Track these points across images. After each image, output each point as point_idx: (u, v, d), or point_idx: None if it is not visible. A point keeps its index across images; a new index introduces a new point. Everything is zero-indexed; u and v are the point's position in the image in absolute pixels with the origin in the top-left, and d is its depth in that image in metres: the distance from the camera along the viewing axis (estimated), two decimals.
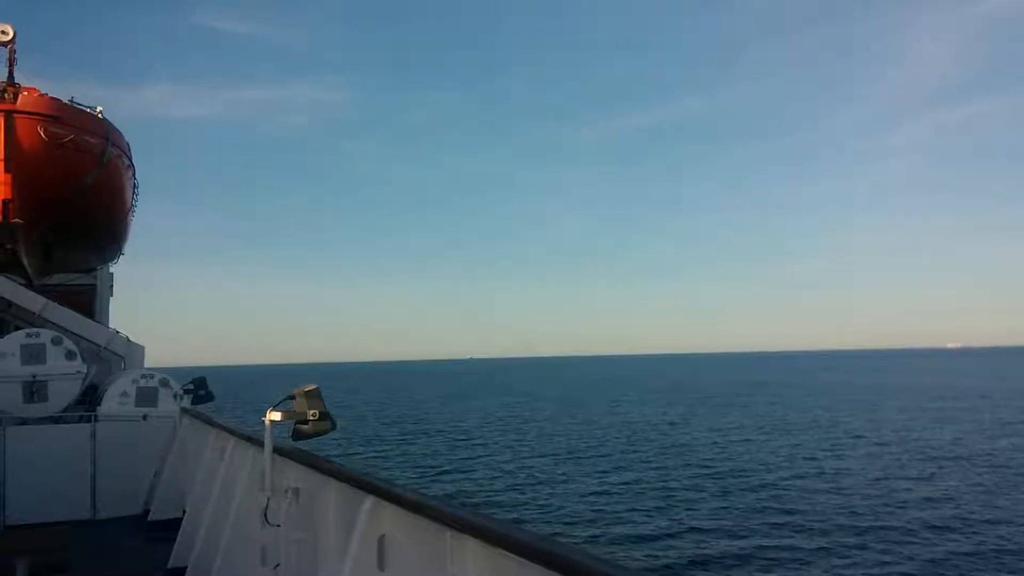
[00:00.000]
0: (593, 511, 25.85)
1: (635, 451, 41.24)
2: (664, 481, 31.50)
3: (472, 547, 3.14)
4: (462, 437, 50.18)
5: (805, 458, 37.25)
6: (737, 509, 25.77)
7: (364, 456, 41.24)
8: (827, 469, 33.74)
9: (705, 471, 33.74)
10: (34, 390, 13.16)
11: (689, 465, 35.50)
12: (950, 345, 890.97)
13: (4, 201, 14.18)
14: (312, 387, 5.54)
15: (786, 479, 31.31)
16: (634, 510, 25.85)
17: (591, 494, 28.82)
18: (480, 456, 40.85)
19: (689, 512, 25.46)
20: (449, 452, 42.51)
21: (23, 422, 12.97)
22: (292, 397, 5.53)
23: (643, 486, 30.44)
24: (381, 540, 4.05)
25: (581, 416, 65.01)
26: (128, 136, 17.50)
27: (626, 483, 31.10)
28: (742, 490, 29.09)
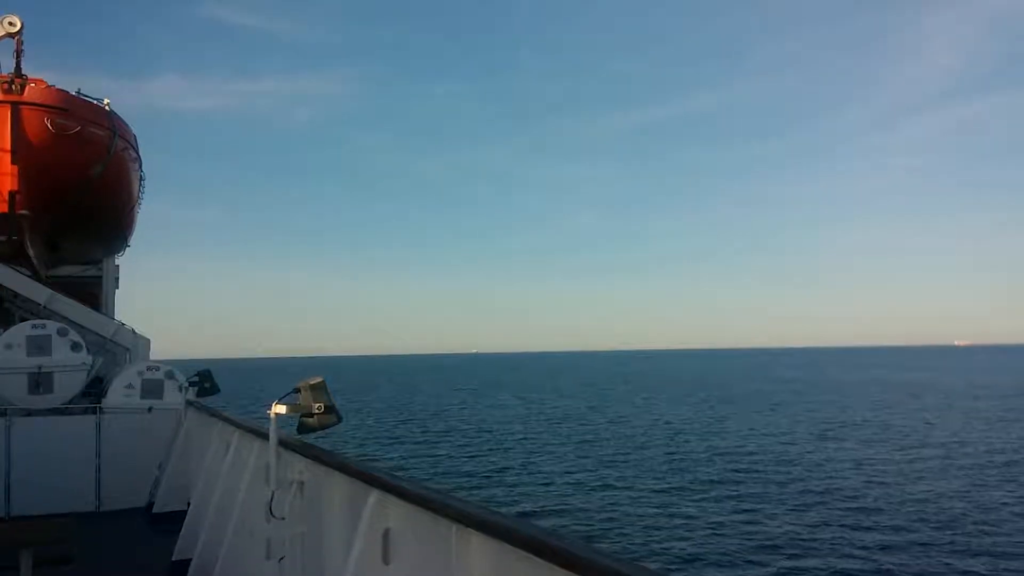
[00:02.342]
0: (657, 528, 23.04)
1: (683, 455, 37.87)
2: (718, 488, 28.99)
3: (477, 541, 3.12)
4: (493, 437, 46.82)
5: (873, 465, 33.69)
6: (817, 524, 23.10)
7: (393, 462, 37.14)
8: (909, 483, 29.60)
9: (765, 477, 30.94)
10: (39, 381, 13.20)
11: (746, 471, 32.37)
12: (958, 342, 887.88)
13: (11, 192, 14.24)
14: (318, 380, 5.51)
15: (863, 491, 27.83)
16: (699, 526, 23.13)
17: (656, 507, 25.88)
18: (518, 460, 37.00)
19: (756, 525, 23.11)
20: (485, 455, 38.89)
21: (28, 413, 12.99)
22: (297, 390, 5.51)
23: (700, 495, 27.76)
24: (386, 534, 4.03)
25: (612, 414, 61.60)
26: (135, 128, 17.56)
27: (701, 502, 27.11)
28: (819, 504, 25.76)
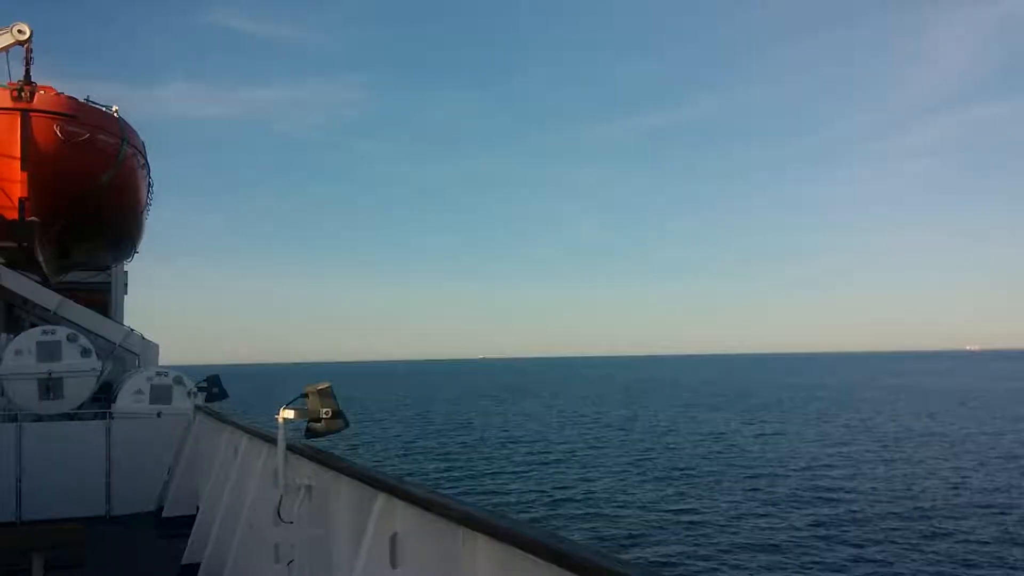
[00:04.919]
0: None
1: (752, 471, 33.93)
2: (803, 511, 25.54)
3: (484, 544, 3.13)
4: (534, 451, 42.28)
5: (966, 484, 29.90)
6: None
7: (433, 483, 31.29)
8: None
9: (853, 503, 26.68)
10: (50, 387, 13.29)
11: (829, 498, 27.84)
12: (969, 347, 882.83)
13: (21, 199, 14.36)
14: (325, 385, 5.54)
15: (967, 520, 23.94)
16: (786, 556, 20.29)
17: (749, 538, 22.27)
18: (575, 481, 32.29)
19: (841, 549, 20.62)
20: (532, 474, 34.48)
21: (39, 419, 13.09)
22: (305, 395, 5.55)
23: (782, 517, 24.48)
24: (393, 538, 4.05)
25: (655, 424, 56.75)
26: (143, 135, 17.69)
27: (786, 527, 23.36)
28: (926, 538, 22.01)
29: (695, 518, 24.85)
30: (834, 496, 28.16)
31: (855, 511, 25.53)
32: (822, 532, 22.74)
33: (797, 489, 29.57)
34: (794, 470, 34.22)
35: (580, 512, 26.24)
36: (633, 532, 23.22)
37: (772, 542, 21.74)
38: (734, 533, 22.79)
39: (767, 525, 23.78)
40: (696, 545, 21.59)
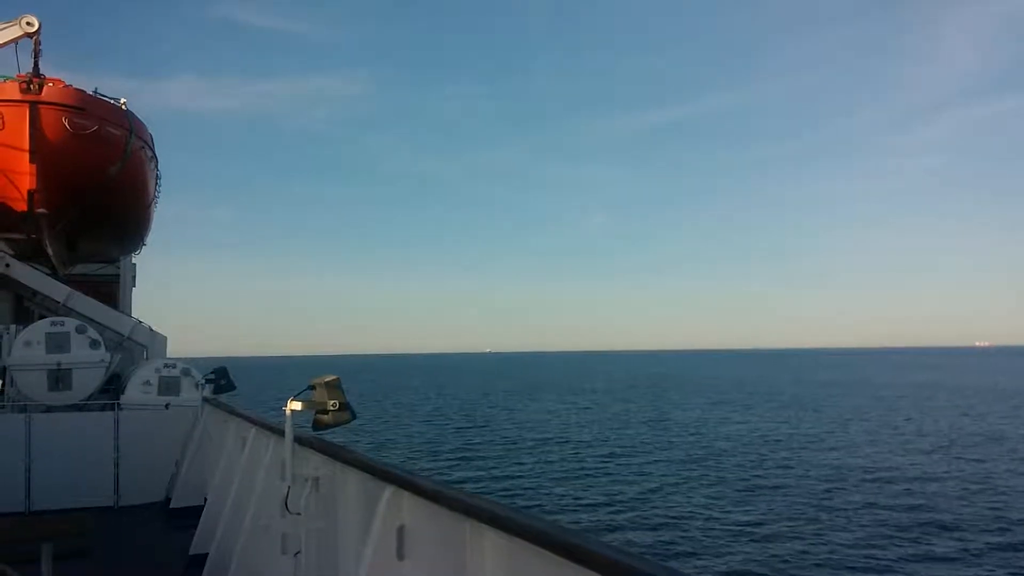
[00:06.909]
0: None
1: (812, 479, 30.76)
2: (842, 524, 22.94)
3: (491, 537, 3.12)
4: (570, 452, 39.61)
5: None
6: None
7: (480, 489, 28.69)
8: None
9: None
10: (59, 378, 13.36)
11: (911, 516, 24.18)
12: (978, 344, 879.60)
13: (29, 191, 14.38)
14: (332, 377, 5.55)
15: None
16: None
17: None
18: (625, 486, 29.65)
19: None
20: (573, 479, 31.55)
21: (48, 410, 13.16)
22: (312, 387, 5.55)
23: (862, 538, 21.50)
24: (401, 529, 4.05)
25: (690, 423, 54.02)
26: (151, 128, 17.66)
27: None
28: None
29: (758, 533, 22.22)
30: (920, 513, 24.80)
31: (945, 528, 22.74)
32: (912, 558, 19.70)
33: (869, 499, 26.63)
34: (865, 480, 30.75)
35: (638, 526, 23.50)
36: (687, 545, 21.02)
37: (844, 559, 19.49)
38: (805, 553, 20.22)
39: (838, 540, 21.26)
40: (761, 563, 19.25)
